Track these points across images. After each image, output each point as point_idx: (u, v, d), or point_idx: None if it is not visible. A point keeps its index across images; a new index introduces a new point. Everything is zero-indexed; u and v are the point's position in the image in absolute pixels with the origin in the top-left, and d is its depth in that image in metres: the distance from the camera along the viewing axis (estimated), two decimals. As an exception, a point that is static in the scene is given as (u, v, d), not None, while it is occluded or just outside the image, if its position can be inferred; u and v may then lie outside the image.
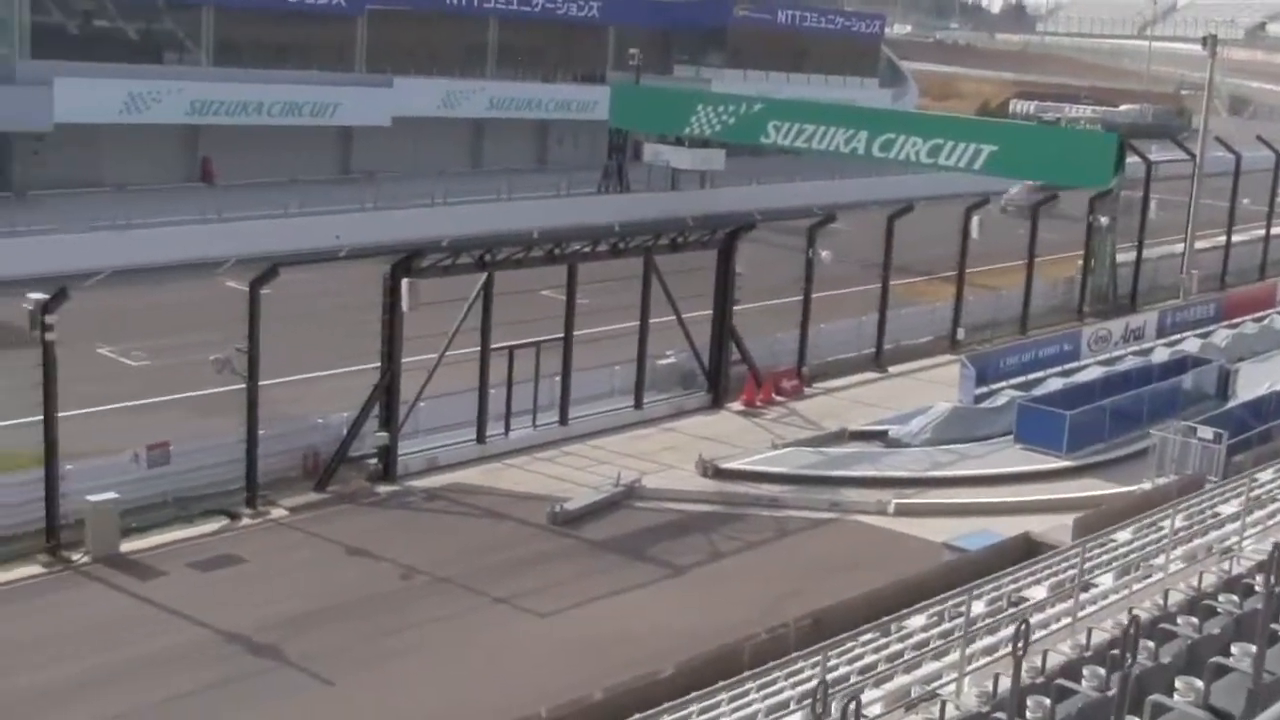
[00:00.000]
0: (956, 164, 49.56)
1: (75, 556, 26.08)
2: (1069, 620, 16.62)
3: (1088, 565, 18.40)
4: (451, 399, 32.99)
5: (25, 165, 60.61)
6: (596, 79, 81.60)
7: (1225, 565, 18.48)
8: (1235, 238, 60.13)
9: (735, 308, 37.73)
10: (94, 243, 48.87)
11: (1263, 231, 61.71)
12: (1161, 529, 20.47)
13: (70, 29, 64.17)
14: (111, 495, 26.73)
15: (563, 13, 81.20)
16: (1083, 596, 17.29)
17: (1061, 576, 18.90)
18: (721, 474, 32.03)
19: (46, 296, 26.21)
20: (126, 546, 26.57)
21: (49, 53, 61.01)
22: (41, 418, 26.34)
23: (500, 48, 79.91)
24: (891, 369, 42.19)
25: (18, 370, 27.19)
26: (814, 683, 13.41)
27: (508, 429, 33.52)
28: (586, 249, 34.53)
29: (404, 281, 30.30)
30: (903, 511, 30.39)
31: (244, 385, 28.78)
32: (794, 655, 16.57)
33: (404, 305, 30.36)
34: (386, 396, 30.93)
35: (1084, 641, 15.15)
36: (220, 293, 42.43)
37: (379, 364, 30.97)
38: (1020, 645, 10.53)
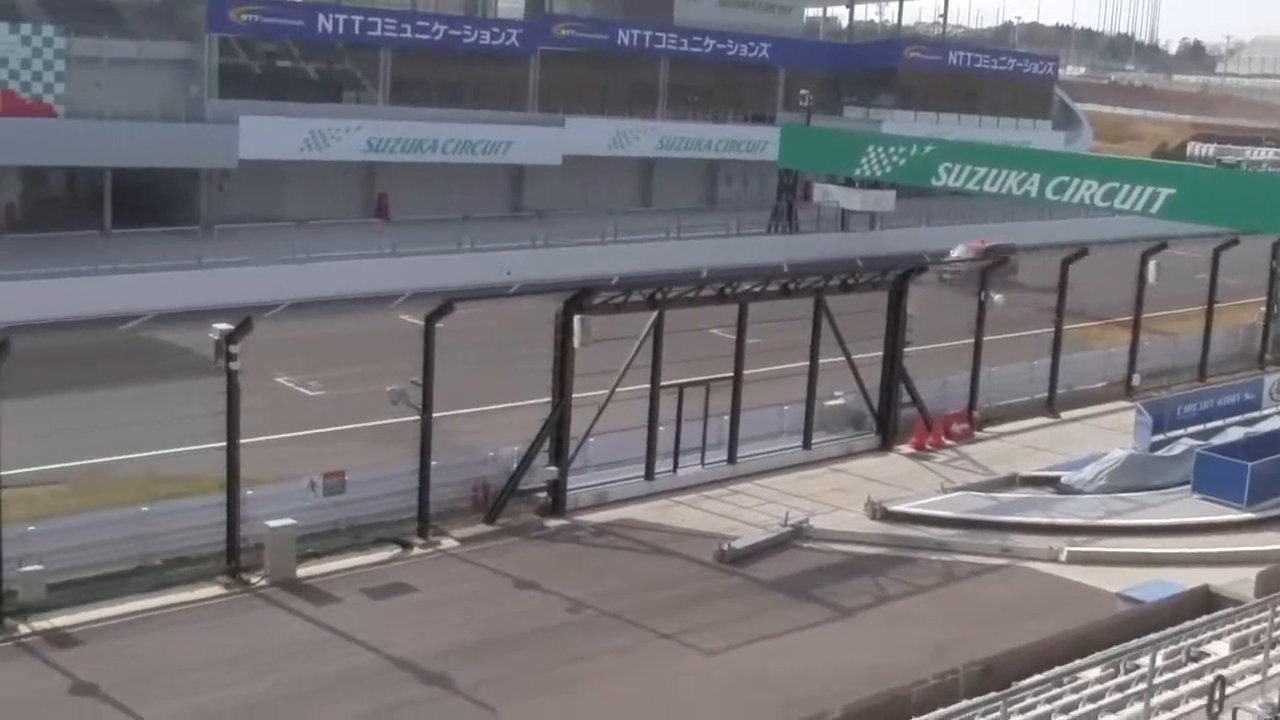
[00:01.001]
0: (1132, 208, 47.88)
1: (254, 579, 26.56)
2: (1258, 679, 16.13)
3: (1278, 621, 17.64)
4: (621, 435, 32.96)
5: (211, 200, 62.12)
6: (766, 119, 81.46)
7: None
8: None
9: (906, 349, 37.29)
10: (275, 275, 50.36)
11: None
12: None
13: (255, 70, 65.81)
14: (289, 521, 27.17)
15: (733, 54, 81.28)
16: (1272, 654, 16.74)
17: (1246, 632, 18.36)
18: (890, 516, 31.62)
19: (231, 327, 26.76)
20: (303, 571, 27.04)
21: (235, 93, 62.78)
22: (224, 444, 26.86)
23: (671, 88, 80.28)
24: (1064, 414, 41.42)
25: (203, 397, 27.58)
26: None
27: (676, 466, 33.36)
28: (757, 288, 34.35)
29: (576, 318, 30.39)
30: (1075, 559, 29.63)
31: (418, 417, 29.04)
32: (964, 704, 16.26)
33: (576, 341, 30.43)
34: (557, 431, 31.03)
35: (1275, 701, 14.62)
36: (395, 326, 44.08)
37: (550, 399, 31.04)
38: (1216, 703, 10.19)
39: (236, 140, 59.94)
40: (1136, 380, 44.39)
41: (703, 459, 34.00)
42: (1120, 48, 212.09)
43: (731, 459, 34.40)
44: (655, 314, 32.24)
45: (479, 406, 36.82)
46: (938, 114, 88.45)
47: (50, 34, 57.30)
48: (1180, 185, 47.44)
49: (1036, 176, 50.47)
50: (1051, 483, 34.90)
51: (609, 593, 26.95)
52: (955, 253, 59.91)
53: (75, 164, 60.19)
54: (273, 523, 27.00)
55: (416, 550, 28.71)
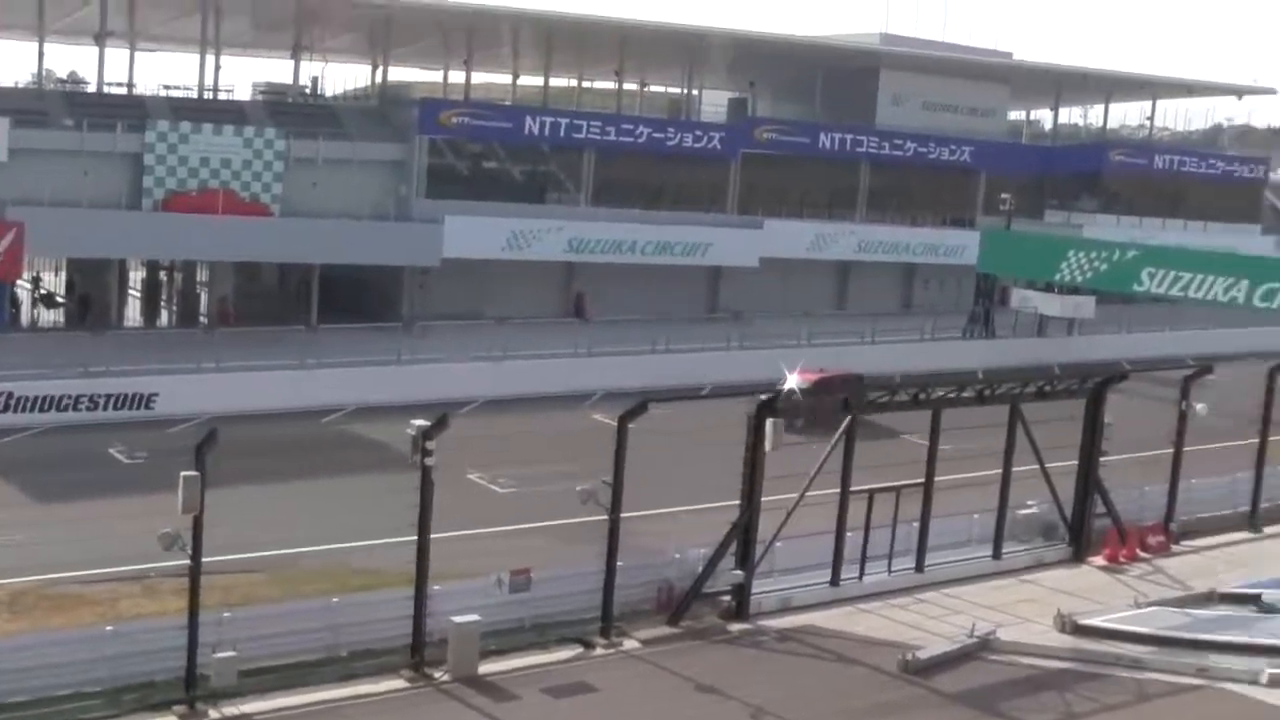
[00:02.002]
0: None
1: (436, 674, 26.74)
2: None
3: None
4: (808, 540, 32.59)
5: (414, 297, 63.45)
6: (965, 223, 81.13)
7: None
8: None
9: (1102, 459, 36.58)
10: (472, 372, 51.04)
11: None
12: None
13: (462, 171, 67.44)
14: (474, 617, 27.35)
15: (934, 157, 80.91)
16: None
17: None
18: (1081, 631, 30.78)
19: (428, 423, 27.15)
20: (485, 668, 27.13)
21: (442, 193, 64.12)
22: (415, 539, 27.12)
23: (870, 191, 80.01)
24: (1268, 529, 40.19)
25: (398, 491, 27.88)
26: None
27: (862, 573, 32.97)
28: (951, 394, 34.05)
29: (768, 421, 30.29)
30: (1277, 683, 28.31)
31: (606, 516, 29.07)
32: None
33: (767, 445, 30.26)
34: (744, 534, 30.79)
35: None
36: (588, 425, 44.67)
37: (738, 501, 30.86)
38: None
39: (441, 239, 61.17)
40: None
41: (890, 566, 33.57)
42: None
43: (919, 567, 33.90)
44: (848, 419, 32.04)
45: (668, 508, 36.63)
46: (1141, 218, 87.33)
47: (272, 136, 59.33)
48: None
49: (1244, 283, 49.77)
50: (1253, 600, 33.52)
51: (790, 699, 26.61)
52: (791, 383, 49.49)
53: (287, 260, 62.08)
54: (457, 618, 27.20)
55: (599, 650, 28.66)
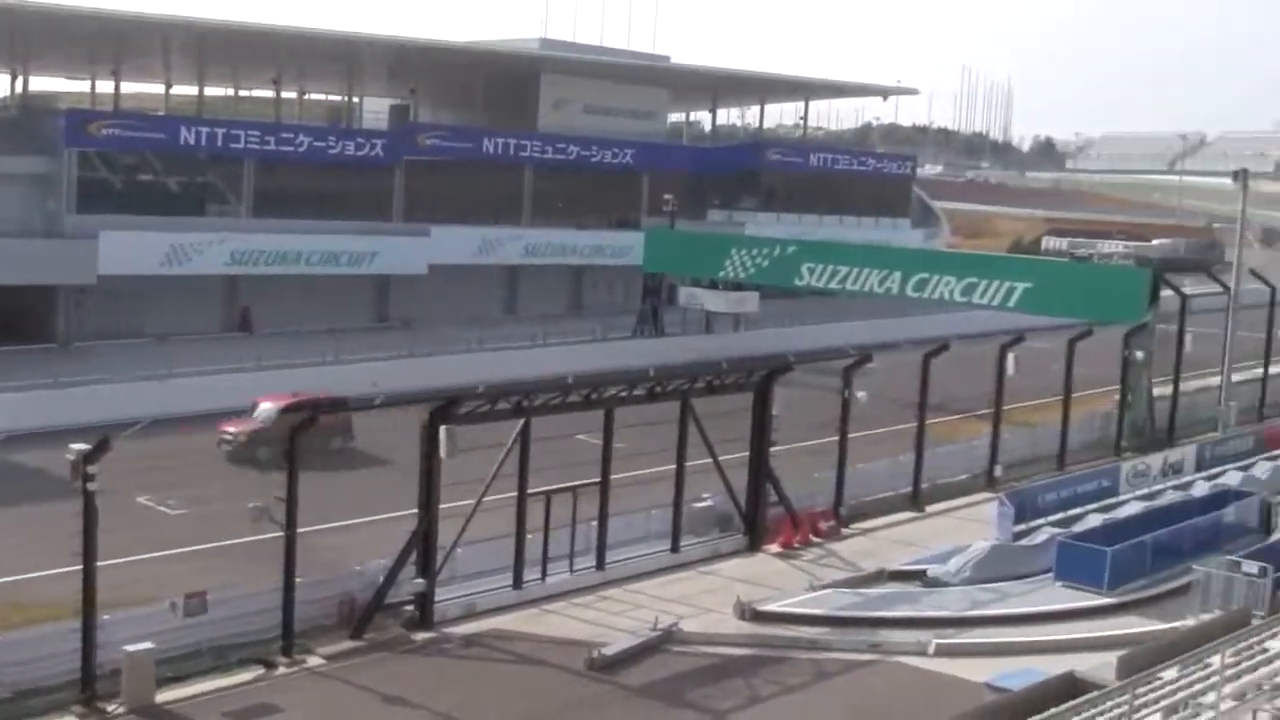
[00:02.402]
0: (990, 302, 48.96)
1: (110, 708, 25.64)
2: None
3: (1136, 704, 18.15)
4: (488, 545, 32.43)
5: (69, 317, 60.81)
6: (631, 224, 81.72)
7: (1278, 703, 17.99)
8: (1273, 369, 59.30)
9: (772, 449, 37.24)
10: (134, 392, 48.89)
11: (1300, 362, 61.88)
12: (1210, 666, 20.13)
13: (115, 184, 64.78)
14: (148, 645, 26.34)
15: (597, 160, 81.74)
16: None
17: (1109, 716, 18.57)
18: (760, 617, 31.43)
19: (89, 447, 26.06)
20: (162, 697, 26.18)
21: (95, 207, 61.70)
22: (80, 568, 25.90)
23: (536, 195, 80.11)
24: (929, 508, 41.52)
25: (60, 519, 26.75)
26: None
27: (545, 574, 32.94)
28: (623, 393, 34.25)
29: (442, 428, 30.02)
30: (943, 652, 29.68)
31: (282, 533, 28.31)
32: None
33: (442, 452, 30.05)
34: (424, 543, 30.42)
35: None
36: (259, 440, 44.11)
37: (416, 510, 30.45)
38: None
39: (95, 255, 58.88)
40: (998, 472, 44.68)
41: (571, 566, 33.62)
42: (976, 147, 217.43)
43: (600, 565, 34.06)
44: (521, 422, 31.91)
45: (347, 520, 35.77)
46: (800, 215, 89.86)
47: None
48: (1035, 279, 48.57)
49: (897, 274, 51.39)
50: (918, 576, 34.83)
51: (479, 705, 26.48)
52: (261, 412, 44.73)
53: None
54: (130, 647, 26.13)
55: (281, 669, 27.95)
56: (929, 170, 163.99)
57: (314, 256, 66.54)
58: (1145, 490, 41.85)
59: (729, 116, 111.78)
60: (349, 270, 68.09)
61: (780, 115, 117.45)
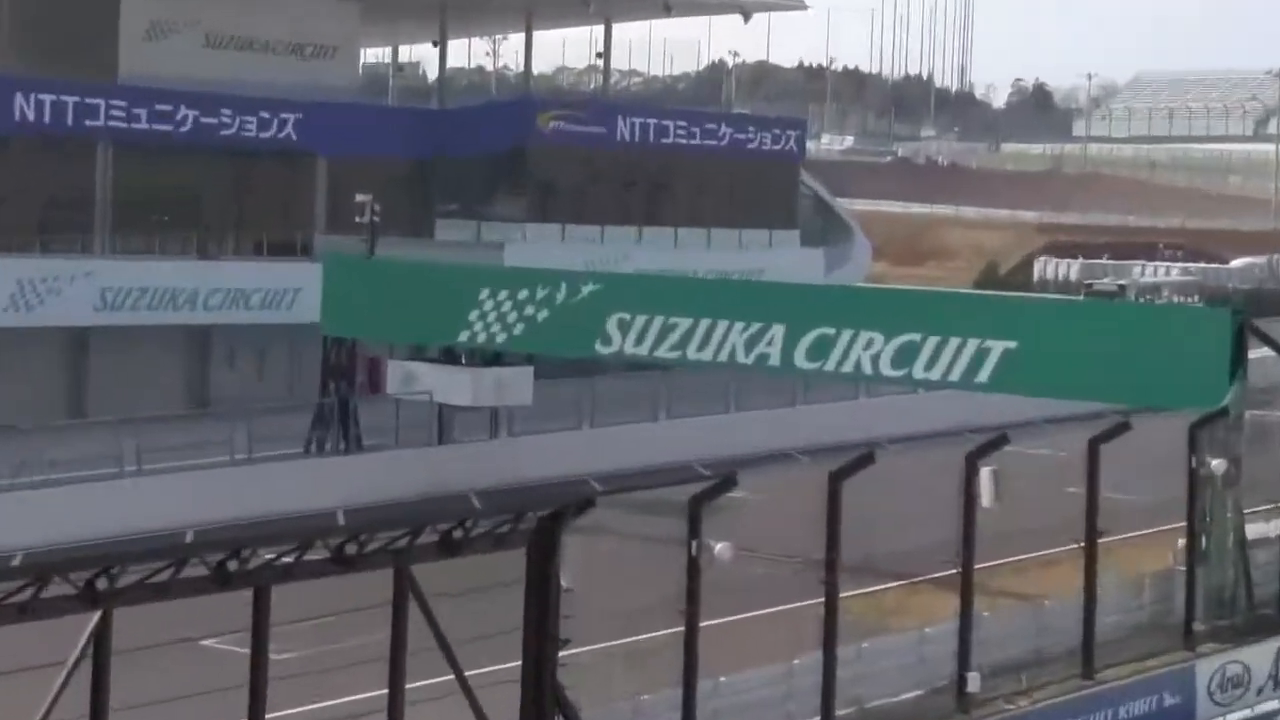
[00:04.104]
0: (946, 377, 34.08)
1: None
2: None
3: None
4: None
5: None
6: (297, 248, 56.73)
7: None
8: None
9: (561, 654, 26.52)
10: None
11: None
12: None
13: None
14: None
15: (230, 133, 55.64)
16: None
17: None
18: None
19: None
20: None
21: None
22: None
23: (119, 199, 54.28)
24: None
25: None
26: None
27: None
28: (287, 559, 25.30)
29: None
30: None
31: None
32: None
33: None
34: None
35: None
36: None
37: None
38: None
39: None
40: (975, 685, 30.49)
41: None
42: (912, 102, 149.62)
43: None
44: (96, 616, 21.70)
45: None
46: (602, 228, 62.80)
47: None
48: (1025, 334, 34.00)
49: (777, 330, 36.13)
50: None
51: None
52: None
53: None
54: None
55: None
56: (831, 144, 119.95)
57: None
58: (1248, 713, 31.31)
59: (469, 54, 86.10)
60: None
61: (563, 52, 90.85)
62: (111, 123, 53.39)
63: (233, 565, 24.89)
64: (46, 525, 37.40)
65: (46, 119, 51.98)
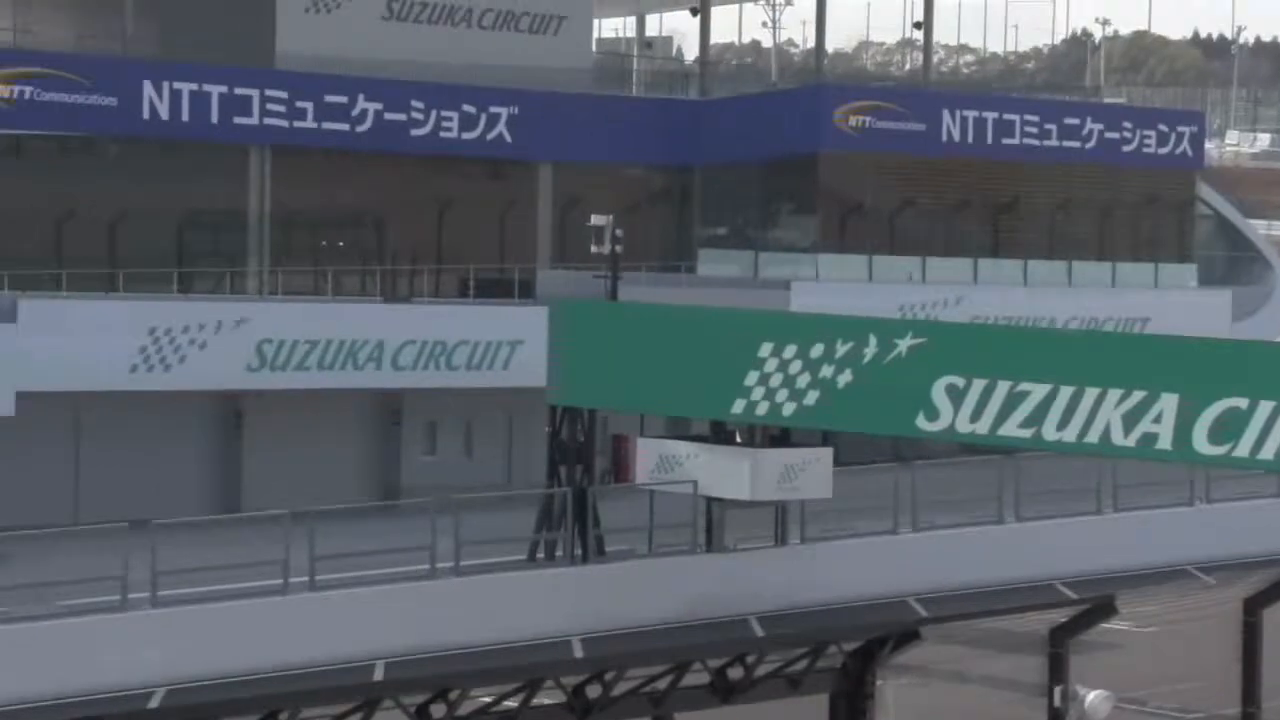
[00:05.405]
0: None
1: None
2: None
3: None
4: None
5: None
6: (511, 289, 55.34)
7: None
8: None
9: None
10: None
11: None
12: None
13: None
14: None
15: (423, 133, 56.28)
16: None
17: None
18: None
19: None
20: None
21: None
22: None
23: (279, 227, 54.79)
24: None
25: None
26: None
27: None
28: (509, 702, 32.91)
29: None
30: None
31: None
32: None
33: None
34: None
35: None
36: None
37: None
38: None
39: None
40: None
41: None
42: None
43: None
44: None
45: None
46: (922, 259, 59.69)
47: None
48: None
49: (1169, 403, 35.88)
50: None
51: None
52: None
53: None
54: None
55: None
56: (1240, 146, 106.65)
57: None
58: None
59: (740, 25, 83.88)
60: None
61: (867, 21, 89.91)
62: (268, 120, 51.41)
63: (438, 711, 29.70)
64: (197, 653, 37.62)
65: (184, 116, 50.50)
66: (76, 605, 39.24)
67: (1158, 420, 37.48)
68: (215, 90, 54.11)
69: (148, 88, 52.91)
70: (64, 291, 49.76)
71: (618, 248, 48.97)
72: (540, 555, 48.22)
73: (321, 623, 40.85)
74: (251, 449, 54.59)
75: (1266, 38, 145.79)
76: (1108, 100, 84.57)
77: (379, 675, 33.91)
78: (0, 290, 47.86)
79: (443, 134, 57.78)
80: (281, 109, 55.05)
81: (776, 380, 42.88)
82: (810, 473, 50.16)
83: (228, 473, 54.14)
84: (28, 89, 51.66)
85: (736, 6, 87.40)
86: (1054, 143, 67.90)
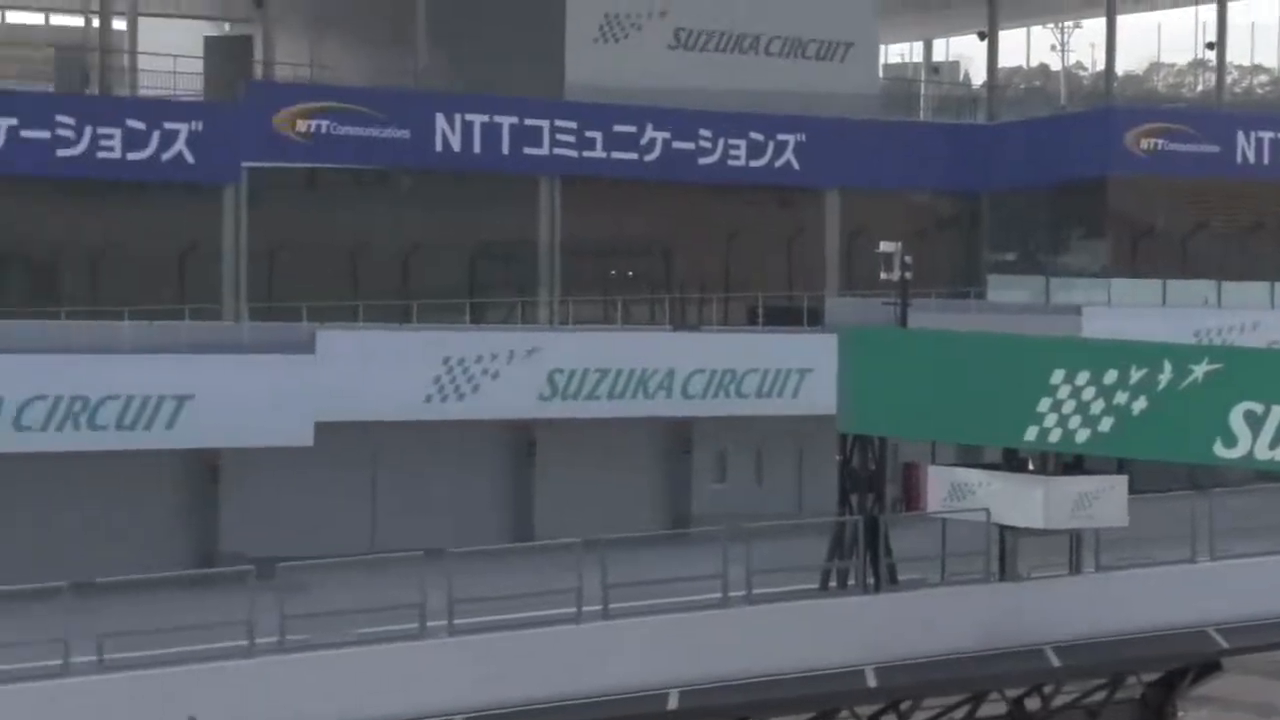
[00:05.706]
0: None
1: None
2: None
3: None
4: None
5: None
6: (800, 317, 55.64)
7: None
8: None
9: None
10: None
11: None
12: None
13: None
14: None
15: (711, 162, 56.66)
16: None
17: None
18: None
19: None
20: None
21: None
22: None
23: (568, 256, 55.19)
24: None
25: None
26: None
27: None
28: None
29: None
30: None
31: None
32: None
33: None
34: None
35: None
36: None
37: None
38: None
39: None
40: None
41: None
42: None
43: None
44: None
45: None
46: (1218, 283, 60.89)
47: None
48: None
49: None
50: None
51: None
52: None
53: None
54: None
55: None
56: None
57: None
58: None
59: (1028, 48, 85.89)
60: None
61: (1158, 41, 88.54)
62: (558, 150, 52.47)
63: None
64: (494, 682, 39.06)
65: (476, 147, 51.89)
66: (375, 633, 39.51)
67: None
68: (506, 121, 54.37)
69: (440, 120, 53.87)
70: (360, 322, 50.01)
71: (907, 274, 48.29)
72: (832, 584, 47.32)
73: (615, 651, 40.59)
74: (544, 477, 54.33)
75: None
76: None
77: (673, 704, 33.82)
78: (299, 322, 48.27)
79: (730, 162, 57.81)
80: (571, 139, 55.17)
81: (1069, 407, 41.80)
82: (1105, 500, 49.12)
83: (520, 501, 54.23)
84: (324, 123, 52.16)
85: (1024, 30, 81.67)
86: (1353, 163, 60.00)
